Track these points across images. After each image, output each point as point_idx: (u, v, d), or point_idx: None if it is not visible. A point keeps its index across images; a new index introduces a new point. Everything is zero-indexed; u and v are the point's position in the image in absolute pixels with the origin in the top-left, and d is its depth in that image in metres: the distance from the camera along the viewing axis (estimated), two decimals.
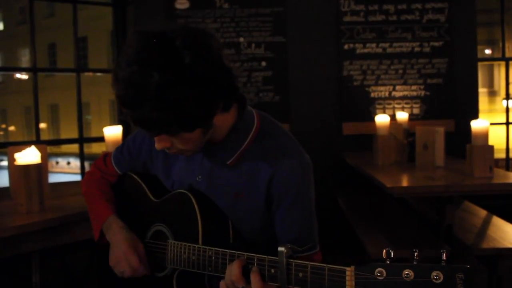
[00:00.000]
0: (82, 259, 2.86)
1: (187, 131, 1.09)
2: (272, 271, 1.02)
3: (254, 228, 1.25)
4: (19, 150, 2.04)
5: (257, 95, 3.89)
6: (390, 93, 3.98)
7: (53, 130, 25.23)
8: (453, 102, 3.95)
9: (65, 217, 1.99)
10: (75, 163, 19.22)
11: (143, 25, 3.73)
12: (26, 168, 1.99)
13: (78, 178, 4.05)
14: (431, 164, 2.90)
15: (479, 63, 4.11)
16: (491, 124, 2.71)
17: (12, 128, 26.53)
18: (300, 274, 0.98)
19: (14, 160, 2.03)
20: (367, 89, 3.97)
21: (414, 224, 2.90)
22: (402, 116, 3.51)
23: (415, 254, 0.86)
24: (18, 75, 24.67)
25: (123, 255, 1.29)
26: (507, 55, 4.37)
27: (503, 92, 13.28)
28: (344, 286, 0.92)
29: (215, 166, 1.26)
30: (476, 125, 2.57)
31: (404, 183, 2.70)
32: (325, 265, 0.95)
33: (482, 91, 13.48)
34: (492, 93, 15.72)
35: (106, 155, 1.54)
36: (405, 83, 3.97)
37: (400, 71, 3.96)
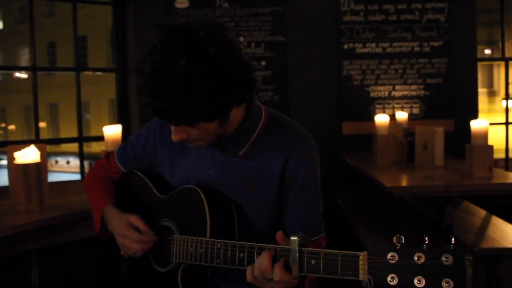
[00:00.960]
0: (82, 258, 2.86)
1: (207, 121, 1.11)
2: (285, 260, 1.04)
3: (264, 220, 1.27)
4: (19, 149, 2.04)
5: (256, 94, 3.89)
6: (389, 93, 3.98)
7: (52, 129, 25.22)
8: (452, 102, 3.95)
9: (65, 216, 1.99)
10: (75, 162, 19.20)
11: (143, 24, 3.73)
12: (26, 167, 1.99)
13: (77, 177, 4.05)
14: (431, 164, 2.90)
15: (479, 63, 4.11)
16: (491, 124, 2.71)
17: (11, 127, 26.51)
18: (313, 261, 1.00)
19: (14, 159, 2.03)
20: (366, 88, 3.97)
21: (414, 224, 2.91)
22: (402, 116, 3.51)
23: (425, 239, 0.90)
24: (17, 74, 24.67)
25: (122, 239, 1.29)
26: (507, 55, 4.36)
27: (502, 92, 13.28)
28: (358, 270, 0.94)
29: (226, 159, 1.28)
30: (475, 125, 2.57)
31: (404, 183, 2.70)
32: (338, 251, 0.98)
33: (481, 91, 13.48)
34: (492, 93, 15.74)
35: (108, 154, 1.55)
36: (404, 83, 3.97)
37: (400, 71, 3.97)
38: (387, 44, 3.95)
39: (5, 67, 18.09)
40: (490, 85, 15.80)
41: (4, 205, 2.15)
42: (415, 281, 0.87)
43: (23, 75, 23.67)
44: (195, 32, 1.05)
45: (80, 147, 3.86)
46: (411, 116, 3.83)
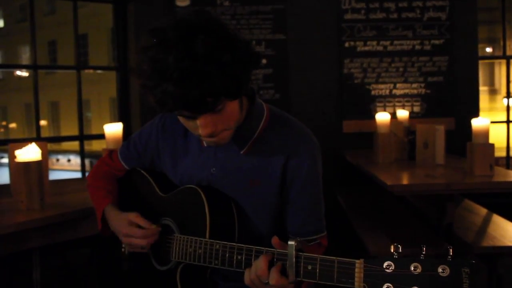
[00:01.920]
0: (83, 256, 2.87)
1: (233, 98, 1.11)
2: (281, 264, 1.03)
3: (265, 219, 1.27)
4: (20, 147, 2.04)
5: (257, 92, 3.88)
6: (390, 91, 3.97)
7: (53, 127, 25.23)
8: (453, 100, 3.95)
9: (66, 214, 1.99)
10: (76, 160, 19.22)
11: (143, 22, 3.73)
12: (27, 165, 1.99)
13: (78, 175, 4.05)
14: (432, 162, 2.90)
15: (480, 61, 4.10)
16: (492, 122, 2.71)
17: (12, 125, 26.53)
18: (309, 267, 1.00)
19: (15, 157, 2.03)
20: (367, 87, 3.97)
21: (414, 222, 2.90)
22: (403, 114, 3.50)
23: (423, 249, 0.88)
24: (18, 72, 24.68)
25: (127, 238, 1.30)
26: (508, 53, 4.36)
27: (503, 91, 13.27)
28: (353, 278, 0.94)
29: (229, 157, 1.28)
30: (476, 123, 2.57)
31: (405, 181, 2.70)
32: (334, 257, 0.97)
33: (482, 89, 13.47)
34: (493, 92, 15.72)
35: (111, 151, 1.55)
36: (405, 81, 3.96)
37: (401, 69, 3.96)
38: (388, 42, 3.95)
39: (6, 65, 18.07)
40: (491, 83, 15.78)
41: (5, 203, 2.15)
42: None
43: (24, 73, 23.68)
44: (196, 18, 1.06)
45: (81, 145, 3.87)
46: (412, 114, 3.83)
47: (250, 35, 3.90)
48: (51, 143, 2.79)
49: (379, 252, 2.36)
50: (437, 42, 3.93)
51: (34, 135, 3.59)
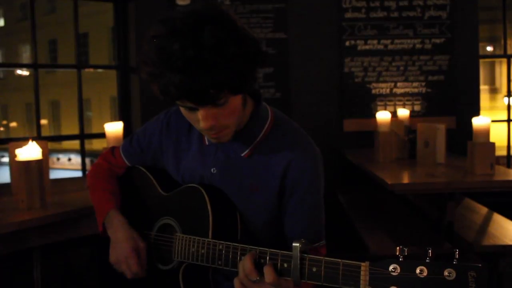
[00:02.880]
0: (83, 255, 2.87)
1: (237, 92, 1.10)
2: (285, 265, 1.03)
3: (264, 223, 1.26)
4: (20, 146, 2.04)
5: None
6: (391, 90, 3.97)
7: (54, 126, 25.23)
8: (454, 99, 3.94)
9: (66, 213, 1.99)
10: (76, 159, 19.22)
11: (144, 21, 3.73)
12: (27, 164, 1.99)
13: (79, 174, 4.05)
14: (432, 161, 2.90)
15: (481, 60, 4.10)
16: (493, 121, 2.70)
17: (13, 124, 26.53)
18: (314, 269, 0.99)
19: (15, 156, 2.03)
20: (368, 86, 3.97)
21: (415, 221, 2.90)
22: (403, 113, 3.50)
23: (429, 252, 0.87)
24: (19, 71, 24.67)
25: (124, 258, 1.29)
26: (509, 52, 4.36)
27: (504, 90, 13.25)
28: (359, 281, 0.93)
29: (229, 158, 1.27)
30: (477, 122, 2.57)
31: (405, 180, 2.70)
32: (339, 260, 0.97)
33: (483, 88, 13.46)
34: (494, 91, 15.69)
35: (113, 147, 1.54)
36: (406, 80, 3.96)
37: (402, 68, 3.96)
38: (388, 41, 3.94)
39: (7, 64, 18.07)
40: (492, 82, 15.76)
41: (5, 202, 2.15)
42: None
43: (24, 72, 23.68)
44: (206, 9, 1.06)
45: (82, 144, 3.87)
46: (412, 113, 3.83)
47: None
48: (51, 142, 2.79)
49: (379, 251, 2.36)
50: (437, 41, 3.93)
51: (34, 134, 3.59)
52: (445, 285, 0.84)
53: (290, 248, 1.03)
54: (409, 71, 3.96)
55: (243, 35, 1.07)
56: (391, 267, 0.89)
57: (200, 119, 1.12)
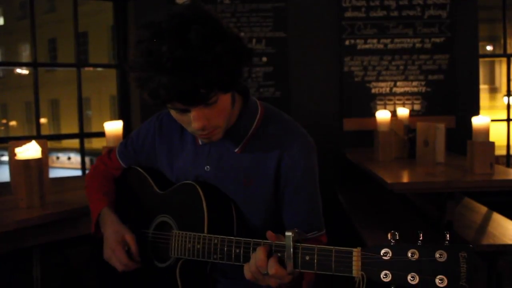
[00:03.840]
0: (83, 254, 2.87)
1: (226, 91, 1.11)
2: (279, 254, 1.03)
3: (261, 217, 1.27)
4: (20, 145, 2.04)
5: (257, 90, 3.89)
6: (391, 89, 3.97)
7: (53, 125, 25.23)
8: (454, 99, 3.94)
9: (66, 212, 1.99)
10: (76, 158, 19.24)
11: (143, 20, 3.73)
12: (27, 163, 1.99)
13: (78, 173, 4.05)
14: (432, 160, 2.90)
15: (481, 60, 4.10)
16: (492, 120, 2.71)
17: (12, 123, 26.53)
18: (307, 257, 0.99)
19: (15, 155, 2.03)
20: (368, 85, 3.97)
21: (414, 220, 2.91)
22: (403, 112, 3.50)
23: (420, 236, 0.89)
24: (18, 70, 24.66)
25: (111, 252, 1.30)
26: (509, 51, 4.36)
27: (504, 89, 13.26)
28: (351, 266, 0.94)
29: (223, 155, 1.28)
30: (477, 121, 2.57)
31: (405, 179, 2.70)
32: (332, 247, 0.97)
33: (483, 87, 13.45)
34: (493, 90, 15.69)
35: (110, 150, 1.56)
36: (406, 79, 3.96)
37: (401, 67, 3.96)
38: (388, 40, 3.94)
39: (6, 63, 18.07)
40: (491, 81, 15.75)
41: (5, 201, 2.15)
42: (409, 277, 0.87)
43: (24, 71, 23.68)
44: (190, 11, 1.06)
45: (81, 143, 3.87)
46: (412, 113, 3.83)
47: (251, 33, 3.89)
48: (51, 141, 2.79)
49: None
50: (437, 40, 3.93)
51: (34, 133, 3.59)
52: (437, 266, 0.85)
53: None
54: (409, 70, 3.96)
55: (227, 33, 1.07)
56: (382, 251, 0.90)
57: (192, 120, 1.13)
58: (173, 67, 1.01)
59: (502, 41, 4.45)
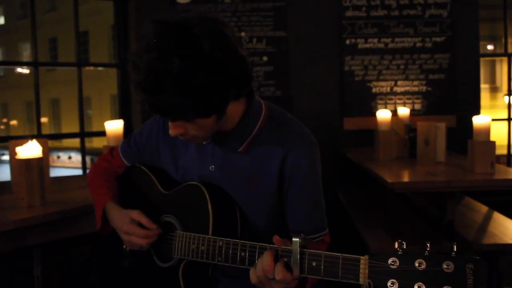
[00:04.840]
0: (84, 253, 2.87)
1: (203, 117, 1.12)
2: (285, 260, 1.03)
3: (265, 217, 1.27)
4: (21, 144, 2.04)
5: (258, 89, 3.89)
6: (391, 88, 3.97)
7: (54, 124, 25.25)
8: (454, 98, 3.94)
9: (66, 211, 2.00)
10: (77, 157, 19.22)
11: (144, 19, 3.73)
12: (28, 162, 1.99)
13: (79, 172, 4.05)
14: (432, 160, 2.90)
15: (481, 59, 4.10)
16: (493, 120, 2.70)
17: (13, 122, 26.55)
18: (314, 263, 1.00)
19: (16, 154, 2.03)
20: (368, 84, 3.96)
21: (415, 220, 2.90)
22: (404, 111, 3.50)
23: (427, 246, 0.89)
24: (19, 69, 24.66)
25: (127, 236, 1.30)
26: (509, 50, 4.34)
27: (505, 88, 13.24)
28: (358, 274, 0.94)
29: (227, 154, 1.28)
30: (477, 121, 2.56)
31: (405, 178, 2.70)
32: (339, 254, 0.98)
33: (484, 87, 13.44)
34: (494, 89, 15.68)
35: (112, 148, 1.56)
36: (406, 79, 3.96)
37: (402, 67, 3.95)
38: (389, 40, 3.94)
39: (7, 62, 18.10)
40: (492, 81, 15.74)
41: (6, 200, 2.16)
42: (415, 287, 0.87)
43: (24, 70, 23.68)
44: (190, 29, 1.04)
45: (82, 143, 3.87)
46: (413, 112, 3.82)
47: (251, 32, 3.89)
48: (52, 140, 2.79)
49: (379, 249, 2.36)
50: (438, 39, 3.92)
51: (35, 132, 3.58)
52: (444, 277, 0.85)
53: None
54: (410, 70, 3.95)
55: (219, 62, 1.05)
56: (390, 260, 0.91)
57: (169, 126, 1.16)
58: (146, 86, 1.05)
59: (503, 40, 4.44)
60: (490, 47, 11.61)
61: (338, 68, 3.95)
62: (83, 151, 3.91)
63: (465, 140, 2.70)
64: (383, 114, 3.19)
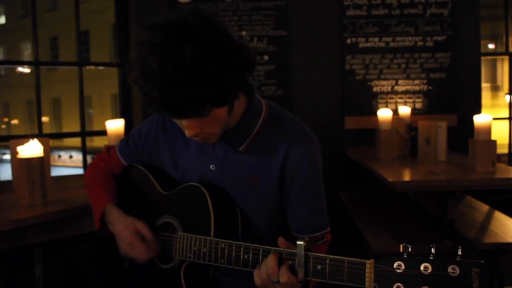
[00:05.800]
0: (85, 252, 2.87)
1: (219, 106, 1.10)
2: (290, 263, 1.03)
3: (266, 217, 1.27)
4: (22, 143, 2.04)
5: (259, 89, 3.89)
6: (392, 87, 3.96)
7: (55, 123, 25.26)
8: (455, 97, 3.94)
9: (68, 210, 2.00)
10: (77, 156, 19.21)
11: (145, 18, 3.73)
12: (29, 161, 1.99)
13: (80, 171, 4.05)
14: (433, 159, 2.90)
15: (482, 58, 4.09)
16: (494, 119, 2.70)
17: (14, 121, 26.57)
18: (319, 267, 1.00)
19: (17, 153, 2.03)
20: (369, 83, 3.96)
21: (416, 219, 2.90)
22: (405, 110, 3.50)
23: (432, 249, 0.89)
24: (20, 69, 24.67)
25: (129, 247, 1.29)
26: (511, 49, 4.33)
27: (506, 87, 13.22)
28: (364, 278, 0.94)
29: (228, 153, 1.27)
30: (478, 119, 2.56)
31: (406, 177, 2.70)
32: (344, 258, 0.97)
33: (485, 86, 13.41)
34: (495, 88, 15.67)
35: (109, 147, 1.54)
36: (407, 78, 3.96)
37: (403, 66, 3.95)
38: (390, 39, 3.93)
39: (8, 62, 18.10)
40: (493, 80, 15.73)
41: (7, 199, 2.16)
42: None
43: (25, 69, 23.68)
44: (189, 21, 1.05)
45: (83, 142, 3.87)
46: (414, 111, 3.82)
47: (252, 31, 3.89)
48: (53, 139, 2.79)
49: (380, 249, 2.36)
50: (439, 38, 3.92)
51: (36, 132, 3.59)
52: (449, 281, 0.85)
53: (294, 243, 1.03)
54: (411, 69, 3.95)
55: (225, 47, 1.05)
56: (395, 264, 0.90)
57: (185, 127, 1.14)
58: (162, 84, 1.02)
59: (504, 39, 4.43)
60: (491, 46, 11.59)
61: (339, 67, 3.95)
62: (84, 150, 3.92)
63: (466, 139, 2.70)
64: (384, 113, 3.19)
